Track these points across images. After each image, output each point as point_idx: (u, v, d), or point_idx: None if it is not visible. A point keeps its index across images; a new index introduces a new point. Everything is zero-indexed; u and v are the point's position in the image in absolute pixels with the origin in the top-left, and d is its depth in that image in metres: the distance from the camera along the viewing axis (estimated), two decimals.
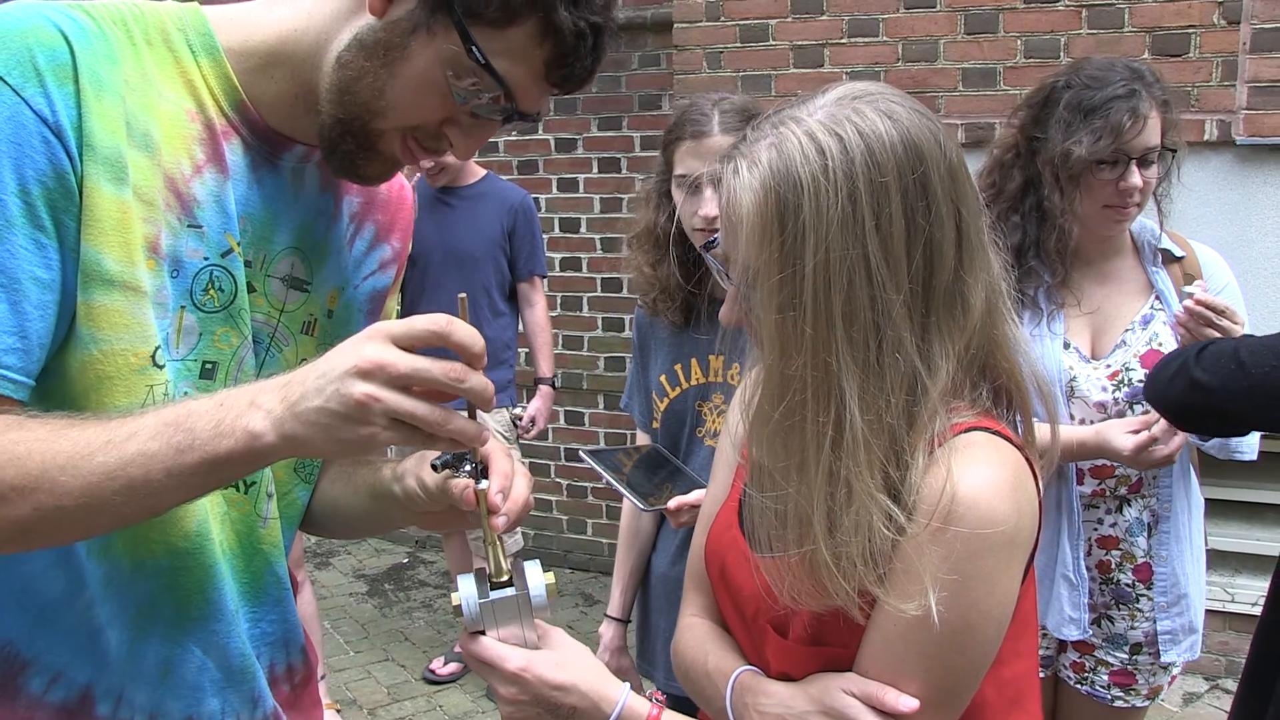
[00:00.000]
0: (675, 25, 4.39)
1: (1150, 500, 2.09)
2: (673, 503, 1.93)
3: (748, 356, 1.12)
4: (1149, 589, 2.11)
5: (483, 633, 1.02)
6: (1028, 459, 1.07)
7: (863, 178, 0.98)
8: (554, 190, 5.06)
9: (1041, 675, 2.17)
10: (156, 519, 0.99)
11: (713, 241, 1.24)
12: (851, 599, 1.01)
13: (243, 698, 1.14)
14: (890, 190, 0.98)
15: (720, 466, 1.33)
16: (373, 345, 0.87)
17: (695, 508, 1.85)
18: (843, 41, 4.11)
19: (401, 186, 1.29)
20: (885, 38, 4.05)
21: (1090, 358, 2.08)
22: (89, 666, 1.05)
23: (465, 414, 0.92)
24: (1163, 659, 2.13)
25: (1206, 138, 3.62)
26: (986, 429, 1.05)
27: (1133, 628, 2.13)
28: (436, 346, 0.89)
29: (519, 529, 4.39)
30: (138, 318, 0.97)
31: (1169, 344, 2.01)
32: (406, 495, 1.09)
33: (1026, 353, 1.12)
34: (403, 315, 0.96)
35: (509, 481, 1.01)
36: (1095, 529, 2.11)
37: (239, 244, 1.06)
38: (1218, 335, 1.82)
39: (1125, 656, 2.14)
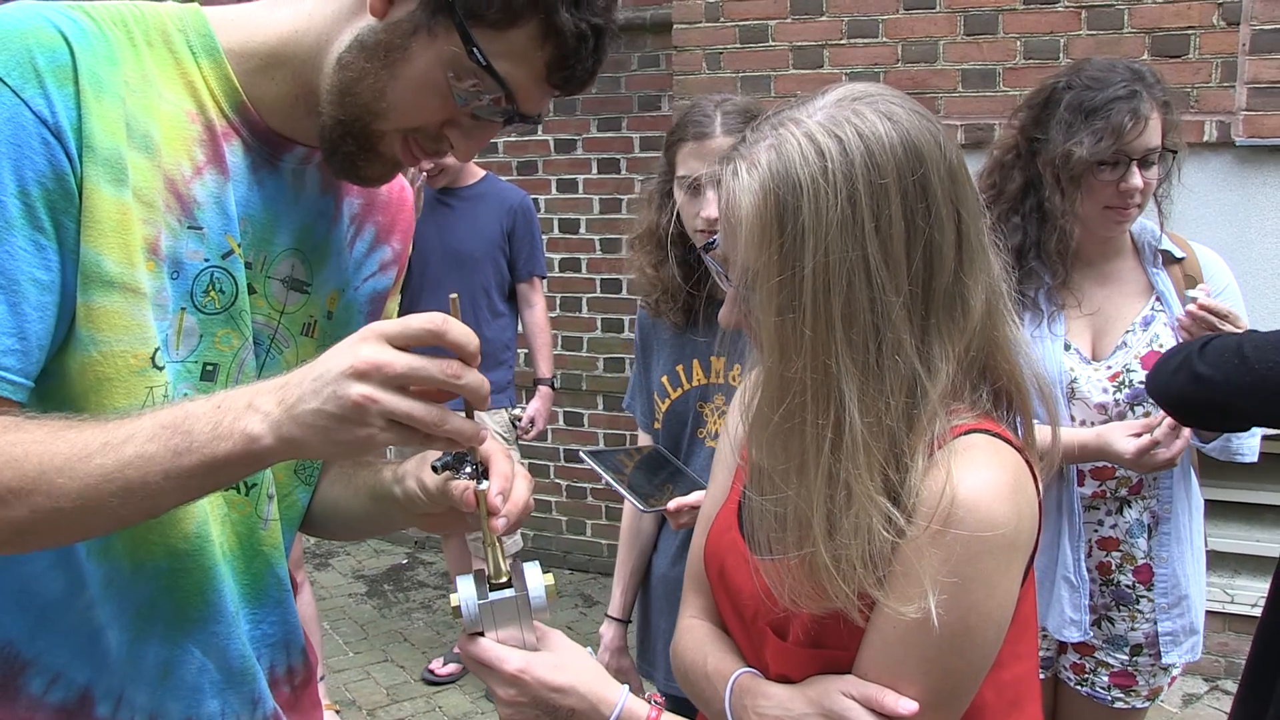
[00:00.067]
0: (675, 26, 4.38)
1: (1150, 502, 2.09)
2: (672, 504, 1.93)
3: (747, 358, 1.12)
4: (1149, 590, 2.11)
5: (481, 634, 1.01)
6: (1028, 461, 1.06)
7: (862, 179, 0.97)
8: (553, 191, 5.06)
9: (1041, 676, 2.17)
10: (156, 520, 0.99)
11: (712, 243, 1.23)
12: (851, 601, 1.00)
13: (243, 699, 1.14)
14: (890, 192, 0.98)
15: (719, 468, 1.33)
16: (368, 346, 0.87)
17: (695, 509, 1.85)
18: (842, 42, 4.11)
19: (402, 188, 1.29)
20: (885, 39, 4.05)
21: (1091, 359, 2.08)
22: (89, 667, 1.05)
23: (463, 413, 0.92)
24: (1163, 660, 2.13)
25: (1206, 139, 3.62)
26: (986, 431, 1.05)
27: (1133, 629, 2.12)
28: (432, 345, 0.89)
29: (518, 530, 4.38)
30: (137, 319, 0.97)
31: (1169, 345, 2.01)
32: (407, 497, 1.09)
33: (1027, 354, 1.11)
34: (401, 316, 0.96)
35: (509, 483, 1.01)
36: (1096, 530, 2.11)
37: (239, 245, 1.06)
38: None
39: (1125, 658, 2.14)
